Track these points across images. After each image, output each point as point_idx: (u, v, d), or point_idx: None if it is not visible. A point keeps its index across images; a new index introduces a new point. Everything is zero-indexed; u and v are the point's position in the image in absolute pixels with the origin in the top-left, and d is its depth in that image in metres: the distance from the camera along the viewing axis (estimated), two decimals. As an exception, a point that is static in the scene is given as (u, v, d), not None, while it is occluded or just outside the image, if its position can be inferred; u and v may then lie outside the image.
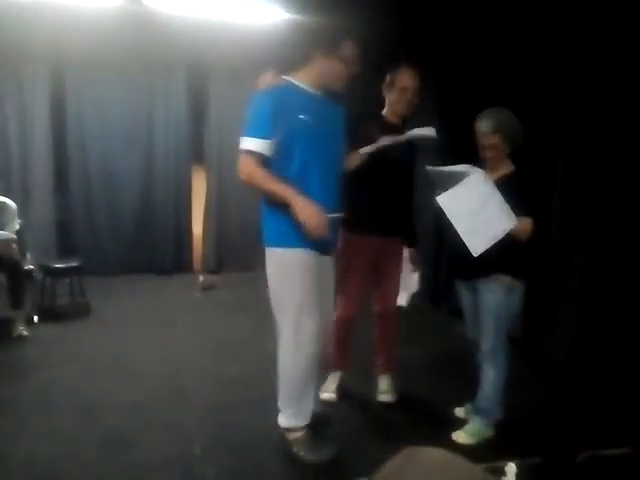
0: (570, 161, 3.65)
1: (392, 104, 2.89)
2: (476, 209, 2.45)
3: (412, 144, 2.86)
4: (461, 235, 2.44)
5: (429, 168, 2.55)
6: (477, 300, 2.65)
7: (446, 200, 2.48)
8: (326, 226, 2.27)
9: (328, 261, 2.55)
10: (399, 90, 2.84)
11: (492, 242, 2.42)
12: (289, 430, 2.51)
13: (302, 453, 2.47)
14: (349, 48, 2.37)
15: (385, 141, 2.64)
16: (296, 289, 2.38)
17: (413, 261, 3.09)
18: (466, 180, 2.48)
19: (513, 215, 2.44)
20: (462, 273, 2.70)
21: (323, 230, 2.27)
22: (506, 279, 2.56)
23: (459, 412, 2.92)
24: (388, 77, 2.89)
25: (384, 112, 2.93)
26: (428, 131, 2.64)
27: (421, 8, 4.31)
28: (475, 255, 2.43)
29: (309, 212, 2.24)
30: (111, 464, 2.44)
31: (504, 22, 3.97)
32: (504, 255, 2.49)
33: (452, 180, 2.49)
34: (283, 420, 2.51)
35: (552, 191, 3.76)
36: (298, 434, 2.50)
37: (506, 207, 2.44)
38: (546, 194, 3.73)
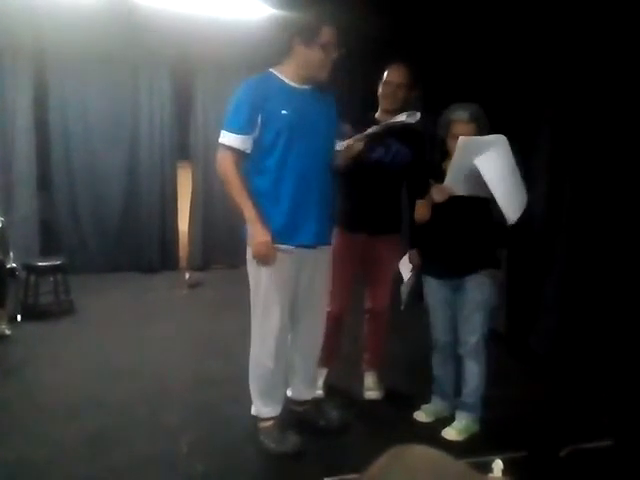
0: (554, 157, 3.68)
1: (380, 100, 2.93)
2: (507, 176, 2.46)
3: (410, 145, 2.85)
4: (498, 200, 2.42)
5: (462, 138, 2.47)
6: (459, 297, 2.65)
7: (485, 163, 2.43)
8: (272, 258, 2.37)
9: (319, 254, 2.55)
10: (384, 84, 2.89)
11: (521, 211, 2.44)
12: (259, 419, 2.59)
13: (266, 442, 2.54)
14: (328, 34, 2.36)
15: (371, 129, 2.59)
16: (265, 284, 2.44)
17: (413, 262, 2.93)
18: (500, 147, 2.45)
19: (525, 189, 2.52)
20: (446, 272, 2.68)
21: (267, 260, 2.38)
22: (492, 272, 2.61)
23: (419, 416, 2.86)
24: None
25: (377, 114, 2.94)
26: (407, 117, 2.57)
27: (410, 8, 4.33)
28: (511, 222, 2.43)
29: (259, 240, 2.35)
30: (96, 464, 2.42)
31: (489, 21, 3.99)
32: (487, 249, 2.53)
33: (482, 149, 2.45)
34: (254, 409, 2.61)
35: (534, 188, 3.79)
36: (266, 424, 2.57)
37: (522, 180, 2.52)
38: (529, 189, 3.75)
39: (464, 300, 2.64)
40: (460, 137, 2.47)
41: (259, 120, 2.32)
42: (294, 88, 2.41)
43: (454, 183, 2.53)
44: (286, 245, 2.41)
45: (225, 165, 2.37)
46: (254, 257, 2.41)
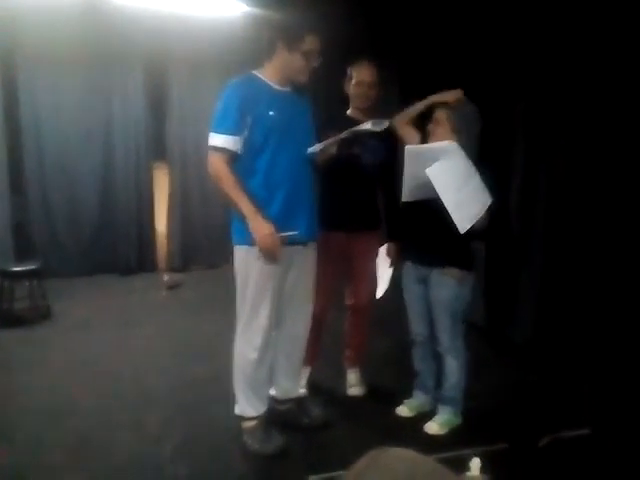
0: (529, 151, 3.73)
1: (352, 99, 2.93)
2: (461, 184, 2.43)
3: (384, 141, 2.85)
4: (449, 210, 2.38)
5: (409, 147, 2.50)
6: (428, 293, 2.67)
7: (436, 172, 2.40)
8: (278, 248, 2.36)
9: (307, 251, 2.58)
10: (356, 84, 2.89)
11: (475, 219, 2.41)
12: (243, 419, 2.59)
13: (250, 442, 2.55)
14: (311, 43, 2.38)
15: (339, 136, 2.61)
16: (255, 279, 2.44)
17: (390, 255, 3.02)
18: (452, 155, 2.43)
19: (488, 192, 2.47)
20: (417, 255, 2.69)
21: (274, 252, 2.36)
22: (457, 272, 2.59)
23: (402, 411, 2.90)
24: (348, 72, 2.93)
25: (349, 111, 2.95)
26: (374, 125, 2.53)
27: (384, 6, 4.35)
28: (462, 232, 2.39)
29: (264, 233, 2.32)
30: (78, 468, 2.40)
31: (464, 15, 4.03)
32: (456, 247, 2.55)
33: (432, 157, 2.43)
34: (237, 409, 2.60)
35: (511, 181, 3.84)
36: (250, 423, 2.58)
37: (482, 184, 2.48)
38: (505, 183, 3.81)
39: (431, 297, 2.66)
40: (407, 146, 2.51)
41: (249, 121, 2.33)
42: (277, 90, 2.44)
43: (408, 191, 2.54)
44: (283, 234, 2.39)
45: (217, 165, 2.34)
46: (260, 250, 2.35)
